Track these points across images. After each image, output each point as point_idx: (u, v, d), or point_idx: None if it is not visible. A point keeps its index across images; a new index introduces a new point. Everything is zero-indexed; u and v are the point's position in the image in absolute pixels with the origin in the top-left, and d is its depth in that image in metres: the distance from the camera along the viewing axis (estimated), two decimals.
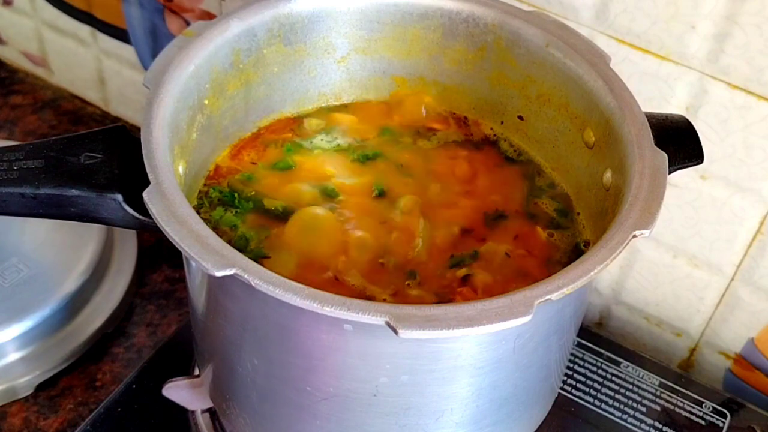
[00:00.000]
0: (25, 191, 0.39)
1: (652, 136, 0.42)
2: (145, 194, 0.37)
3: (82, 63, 0.80)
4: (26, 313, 0.61)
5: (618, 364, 0.59)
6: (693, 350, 0.64)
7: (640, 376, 0.58)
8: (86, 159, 0.40)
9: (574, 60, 0.46)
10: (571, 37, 0.47)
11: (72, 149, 0.41)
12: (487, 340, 0.37)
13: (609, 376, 0.58)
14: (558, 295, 0.35)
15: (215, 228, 0.45)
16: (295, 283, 0.34)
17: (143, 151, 0.39)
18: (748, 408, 0.58)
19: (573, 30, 0.47)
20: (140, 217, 0.40)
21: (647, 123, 0.43)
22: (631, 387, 0.58)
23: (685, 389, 0.58)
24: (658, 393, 0.58)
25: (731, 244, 0.57)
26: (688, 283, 0.60)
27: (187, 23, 0.70)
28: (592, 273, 0.36)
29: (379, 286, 0.43)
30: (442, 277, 0.44)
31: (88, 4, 0.75)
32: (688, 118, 0.53)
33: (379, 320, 0.33)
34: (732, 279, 0.58)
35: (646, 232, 0.38)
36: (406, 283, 0.43)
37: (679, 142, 0.45)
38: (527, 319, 0.34)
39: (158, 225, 0.36)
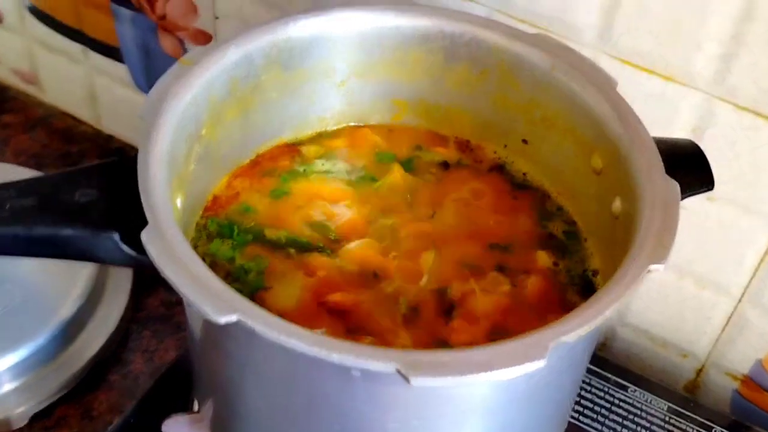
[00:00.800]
0: (18, 232, 0.38)
1: (663, 164, 0.41)
2: (143, 235, 0.36)
3: (74, 80, 0.79)
4: (21, 341, 0.60)
5: (625, 389, 0.58)
6: (699, 371, 0.63)
7: (648, 401, 0.57)
8: (81, 196, 0.39)
9: (580, 84, 0.45)
10: (577, 61, 0.46)
11: (66, 186, 0.39)
12: (499, 383, 0.36)
13: (617, 401, 0.57)
14: (572, 337, 0.34)
15: (213, 262, 0.44)
16: (300, 329, 0.33)
17: (140, 188, 0.37)
18: (756, 431, 0.58)
19: (579, 53, 0.46)
20: (138, 255, 0.38)
21: (657, 150, 0.42)
22: (639, 413, 0.57)
23: (694, 414, 0.57)
24: (666, 418, 0.57)
25: (739, 266, 0.56)
26: (695, 304, 0.59)
27: (181, 42, 0.68)
28: (606, 312, 0.35)
29: (380, 324, 0.42)
30: (444, 311, 0.42)
31: (79, 21, 0.74)
32: (695, 140, 0.52)
33: (390, 368, 0.32)
34: (740, 300, 0.57)
35: (660, 267, 0.37)
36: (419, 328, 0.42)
37: (688, 168, 0.44)
38: (542, 363, 0.33)
39: (157, 268, 0.35)
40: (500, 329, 0.42)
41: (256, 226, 0.46)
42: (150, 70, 0.73)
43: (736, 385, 0.62)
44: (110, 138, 0.81)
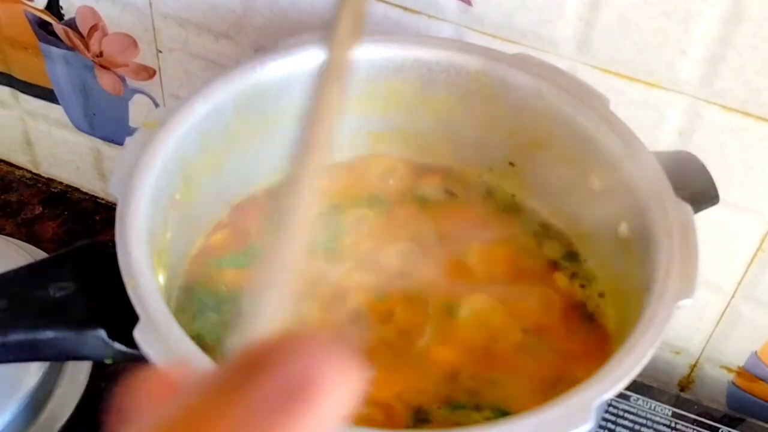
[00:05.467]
0: None
1: (671, 186, 0.40)
2: (136, 334, 0.32)
3: (5, 126, 0.73)
4: None
5: (627, 398, 0.56)
6: (693, 366, 0.62)
7: (652, 408, 0.56)
8: (56, 291, 0.35)
9: (571, 105, 0.43)
10: (564, 81, 0.44)
11: (38, 281, 0.35)
12: None
13: (621, 413, 0.56)
14: (614, 392, 0.32)
15: (202, 344, 0.40)
16: None
17: (124, 279, 0.34)
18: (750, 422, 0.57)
19: (565, 72, 0.44)
20: (130, 351, 0.35)
21: (663, 172, 0.40)
22: (645, 422, 0.55)
23: (699, 416, 0.56)
24: (672, 425, 0.55)
25: (731, 263, 0.55)
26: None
27: (122, 78, 0.64)
28: (644, 361, 0.34)
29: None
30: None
31: (5, 64, 0.69)
32: (682, 143, 0.51)
33: None
34: (732, 296, 0.56)
35: (688, 302, 0.36)
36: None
37: (694, 186, 0.42)
38: (588, 426, 0.31)
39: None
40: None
41: (228, 292, 0.42)
42: (89, 110, 0.68)
43: (731, 377, 0.61)
44: (50, 182, 0.76)
